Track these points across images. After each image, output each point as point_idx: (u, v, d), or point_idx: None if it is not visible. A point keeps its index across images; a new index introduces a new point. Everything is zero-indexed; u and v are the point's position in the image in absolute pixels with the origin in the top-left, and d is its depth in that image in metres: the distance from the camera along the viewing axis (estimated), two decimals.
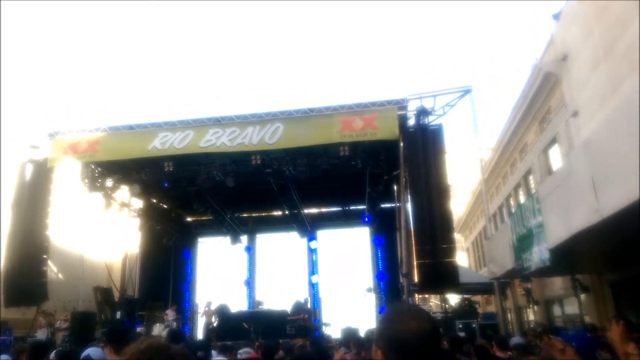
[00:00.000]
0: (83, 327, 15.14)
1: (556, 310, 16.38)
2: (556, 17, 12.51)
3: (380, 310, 17.54)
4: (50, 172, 15.48)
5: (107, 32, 60.87)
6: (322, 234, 22.29)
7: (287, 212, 19.82)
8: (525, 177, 17.23)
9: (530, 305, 17.66)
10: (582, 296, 13.29)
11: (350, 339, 8.89)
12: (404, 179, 14.45)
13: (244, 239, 22.74)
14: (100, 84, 56.18)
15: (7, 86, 18.67)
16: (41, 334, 14.86)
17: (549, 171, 14.36)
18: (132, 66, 65.25)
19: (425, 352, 1.53)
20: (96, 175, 16.39)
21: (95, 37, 59.18)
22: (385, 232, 18.69)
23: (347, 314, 19.09)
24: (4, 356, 6.13)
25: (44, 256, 15.35)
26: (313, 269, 21.52)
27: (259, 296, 21.58)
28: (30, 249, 14.86)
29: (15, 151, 15.93)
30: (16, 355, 5.87)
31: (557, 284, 14.88)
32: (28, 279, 14.65)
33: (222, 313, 17.83)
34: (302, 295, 18.97)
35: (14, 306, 14.81)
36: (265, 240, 23.50)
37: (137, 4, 65.17)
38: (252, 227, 23.04)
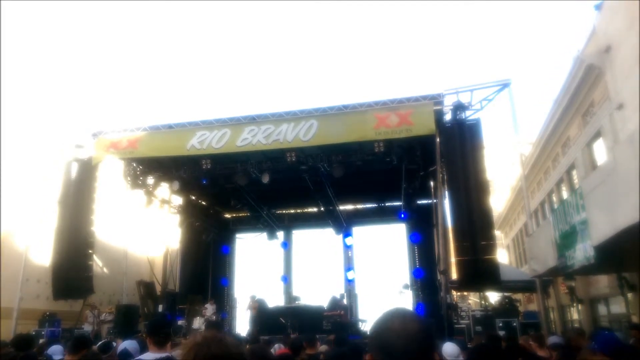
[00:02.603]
0: (127, 320, 15.70)
1: (601, 309, 15.82)
2: (598, 7, 12.04)
3: (417, 307, 17.39)
4: (95, 170, 16.07)
5: (144, 34, 62.43)
6: (358, 231, 22.28)
7: (322, 209, 19.89)
8: (568, 172, 16.68)
9: (574, 304, 17.14)
10: (629, 295, 12.79)
11: None
12: (440, 175, 14.25)
13: (280, 235, 22.99)
14: (140, 85, 57.66)
15: (52, 88, 19.39)
16: (88, 327, 15.50)
17: (593, 166, 13.86)
18: (171, 66, 66.76)
19: (410, 352, 1.48)
20: (138, 173, 16.92)
21: (133, 39, 60.79)
22: (421, 228, 18.48)
23: (383, 311, 19.02)
24: (56, 346, 6.37)
25: (90, 251, 15.97)
26: (349, 265, 21.53)
27: (295, 292, 21.78)
28: (77, 244, 15.48)
29: (61, 150, 16.58)
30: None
31: (603, 282, 14.37)
32: (75, 273, 15.29)
33: (260, 308, 18.07)
34: (338, 291, 19.01)
35: (62, 299, 15.48)
36: (301, 237, 23.68)
37: (174, 5, 66.55)
38: (288, 224, 23.24)
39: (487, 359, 2.58)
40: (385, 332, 1.54)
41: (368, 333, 1.67)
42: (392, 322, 1.55)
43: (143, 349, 4.60)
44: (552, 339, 6.30)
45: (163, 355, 3.68)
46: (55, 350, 6.10)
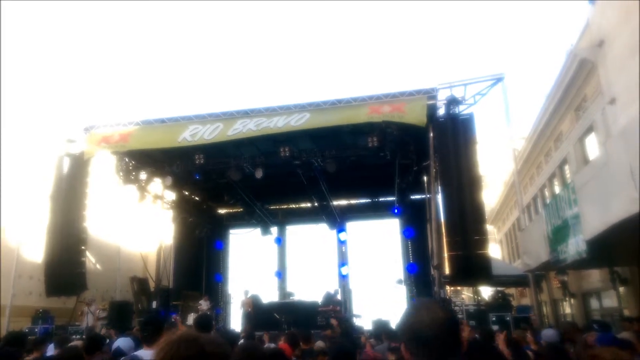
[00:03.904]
0: (120, 316, 15.61)
1: (594, 303, 15.96)
2: (592, 1, 12.07)
3: (411, 302, 17.44)
4: (87, 165, 15.92)
5: (141, 30, 62.00)
6: (352, 226, 22.32)
7: (316, 204, 19.87)
8: (561, 167, 16.77)
9: (567, 298, 17.27)
10: (621, 289, 12.91)
11: (382, 330, 8.90)
12: (434, 170, 14.27)
13: (274, 230, 22.97)
14: (134, 80, 57.35)
15: (43, 82, 19.22)
16: (86, 323, 15.39)
17: (585, 161, 13.94)
18: (166, 63, 66.38)
19: (441, 340, 1.66)
20: (130, 168, 16.80)
21: (130, 35, 60.35)
22: (415, 223, 18.54)
23: (377, 306, 19.11)
24: (51, 345, 6.31)
25: (82, 247, 15.83)
26: (343, 261, 21.56)
27: (289, 287, 21.78)
28: (69, 241, 15.34)
29: (53, 145, 16.43)
30: (60, 345, 6.05)
31: (595, 276, 14.48)
32: (67, 269, 15.15)
33: (254, 303, 18.06)
34: (332, 286, 19.05)
35: (55, 295, 15.34)
36: (295, 232, 23.67)
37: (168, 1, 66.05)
38: (282, 219, 23.22)
39: (480, 356, 2.59)
40: (416, 324, 1.70)
41: (398, 326, 1.84)
42: (420, 315, 1.72)
43: (138, 345, 4.60)
44: (547, 335, 6.07)
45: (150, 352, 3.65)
46: (52, 348, 6.05)
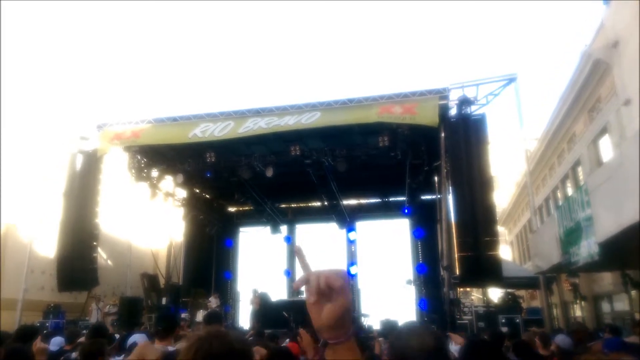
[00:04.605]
0: (130, 312, 15.75)
1: (605, 306, 15.78)
2: (606, 1, 11.94)
3: (420, 302, 17.38)
4: (99, 163, 16.11)
5: (155, 30, 62.40)
6: (361, 225, 22.26)
7: (326, 203, 19.86)
8: (574, 169, 16.60)
9: (578, 301, 17.10)
10: (633, 292, 12.76)
11: (390, 330, 8.89)
12: (445, 170, 14.21)
13: (284, 229, 23.00)
14: (147, 79, 57.74)
15: (57, 81, 19.42)
16: (94, 319, 15.56)
17: (598, 162, 13.78)
18: (178, 61, 66.76)
19: None
20: (142, 165, 16.92)
21: (144, 34, 60.83)
22: (425, 224, 18.45)
23: (386, 306, 19.08)
24: (57, 338, 6.36)
25: (94, 243, 16.03)
26: (352, 260, 21.53)
27: None
28: (81, 236, 15.54)
29: (66, 142, 16.61)
30: (70, 339, 6.09)
31: (606, 279, 14.33)
32: (79, 264, 15.35)
33: (263, 301, 18.09)
34: None
35: (67, 290, 15.55)
36: (305, 231, 23.70)
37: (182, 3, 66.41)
38: (292, 218, 23.25)
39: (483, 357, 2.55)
40: (405, 349, 1.72)
41: (388, 345, 1.85)
42: (410, 339, 1.74)
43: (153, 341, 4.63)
44: (560, 340, 5.83)
45: (166, 348, 3.67)
46: (56, 341, 6.09)
